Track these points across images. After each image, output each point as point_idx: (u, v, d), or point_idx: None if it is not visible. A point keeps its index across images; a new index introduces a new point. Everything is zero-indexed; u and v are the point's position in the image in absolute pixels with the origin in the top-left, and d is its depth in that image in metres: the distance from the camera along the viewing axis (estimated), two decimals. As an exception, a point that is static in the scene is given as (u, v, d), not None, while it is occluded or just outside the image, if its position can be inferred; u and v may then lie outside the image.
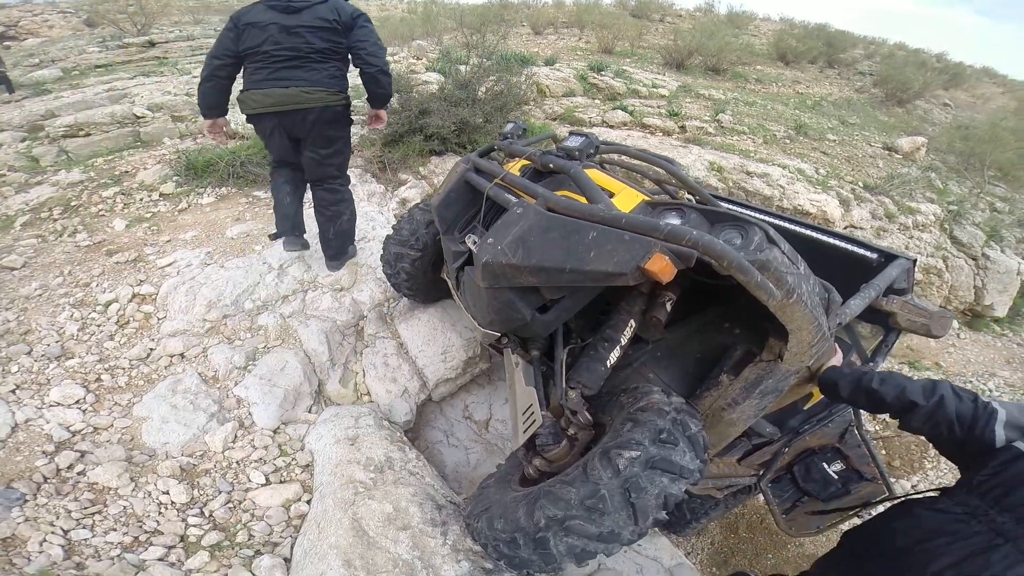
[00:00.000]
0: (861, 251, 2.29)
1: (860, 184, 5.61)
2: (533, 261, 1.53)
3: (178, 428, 2.27)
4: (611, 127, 6.78)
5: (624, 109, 6.92)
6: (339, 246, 3.19)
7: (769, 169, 5.25)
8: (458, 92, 5.02)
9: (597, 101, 7.73)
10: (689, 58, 10.18)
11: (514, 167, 2.31)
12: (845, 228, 4.93)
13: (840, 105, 9.78)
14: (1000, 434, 1.34)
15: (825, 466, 2.67)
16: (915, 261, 2.20)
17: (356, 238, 3.45)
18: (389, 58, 8.12)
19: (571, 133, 2.15)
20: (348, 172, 3.11)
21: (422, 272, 2.84)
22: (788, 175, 5.22)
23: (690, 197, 2.63)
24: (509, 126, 2.51)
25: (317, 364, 2.75)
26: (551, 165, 1.99)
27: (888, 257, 2.21)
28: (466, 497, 2.17)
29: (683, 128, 6.60)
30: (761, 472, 2.53)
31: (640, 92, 7.92)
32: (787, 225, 2.52)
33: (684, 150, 5.64)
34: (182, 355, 2.65)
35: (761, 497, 2.78)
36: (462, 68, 5.55)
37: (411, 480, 2.08)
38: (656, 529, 2.62)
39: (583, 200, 1.68)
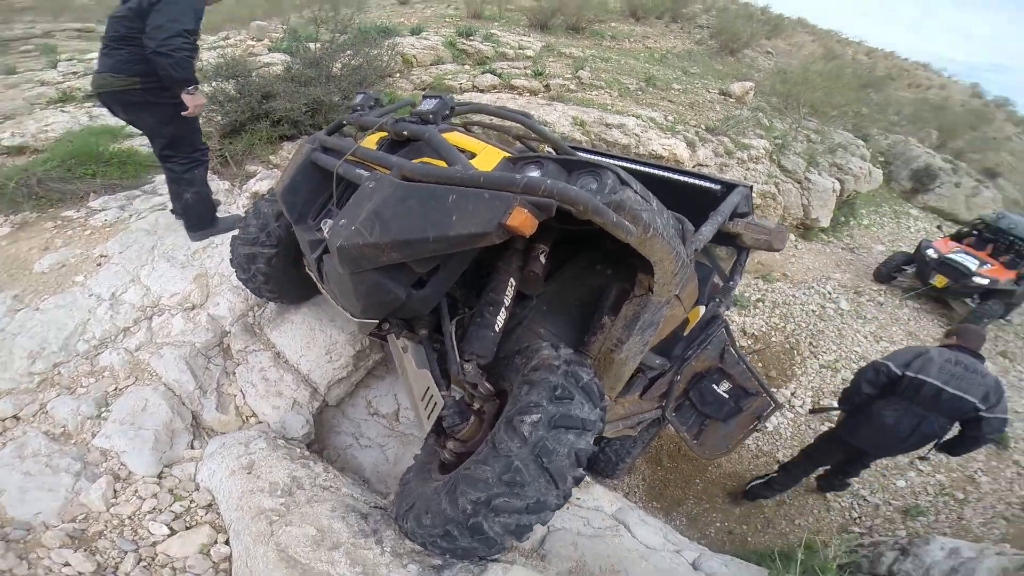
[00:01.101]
0: (705, 184, 2.54)
1: (703, 127, 6.38)
2: (392, 236, 1.43)
3: (43, 495, 2.01)
4: (481, 91, 6.92)
5: (493, 72, 7.08)
6: (193, 220, 3.25)
7: (625, 120, 5.77)
8: (308, 71, 4.70)
9: (467, 67, 7.79)
10: (552, 18, 10.52)
11: (370, 141, 2.15)
12: (694, 166, 5.63)
13: (683, 57, 10.78)
14: (896, 371, 3.12)
15: (715, 387, 2.94)
16: (752, 188, 2.51)
17: (203, 244, 3.34)
18: (223, 42, 7.48)
19: (424, 97, 2.00)
20: (193, 154, 3.11)
21: (281, 270, 2.59)
22: (641, 124, 5.78)
23: (551, 151, 2.72)
24: (359, 98, 2.35)
25: (184, 395, 2.49)
26: (405, 132, 1.87)
27: (729, 187, 2.46)
28: (393, 497, 2.07)
29: (547, 87, 6.94)
30: (663, 403, 2.72)
31: (508, 55, 8.11)
32: (640, 168, 2.75)
33: (549, 107, 5.97)
34: (16, 417, 2.32)
35: (671, 428, 3.05)
36: (312, 46, 5.26)
37: (326, 495, 1.95)
38: (588, 479, 2.65)
39: (443, 165, 1.60)
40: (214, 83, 4.44)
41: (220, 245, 3.25)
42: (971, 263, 6.40)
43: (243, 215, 2.77)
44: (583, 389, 1.48)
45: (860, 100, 9.38)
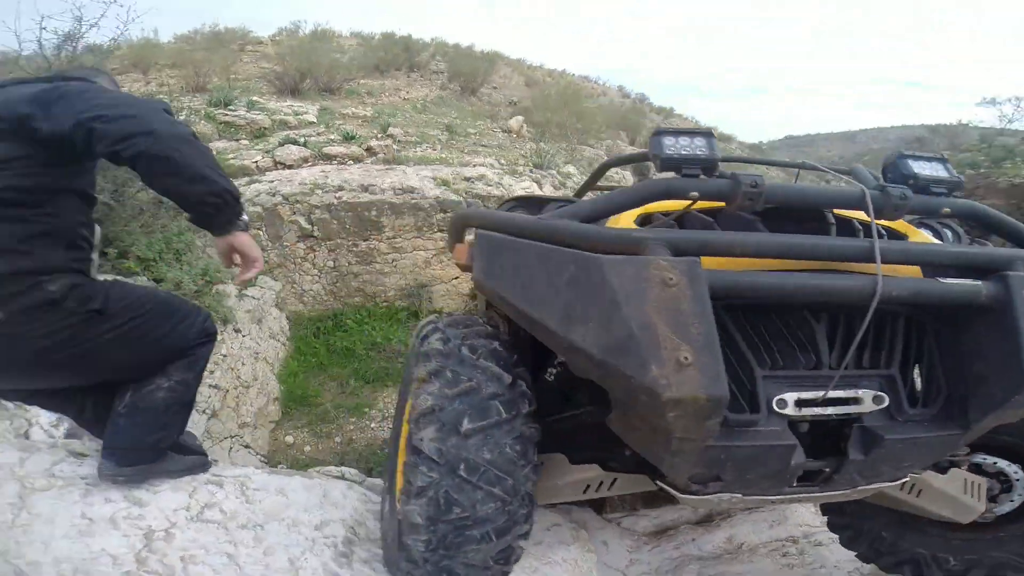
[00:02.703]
0: None
1: (529, 165, 6.88)
2: None
3: None
4: (289, 166, 5.96)
5: (296, 142, 6.16)
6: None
7: (480, 171, 5.81)
8: None
9: (245, 142, 6.59)
10: (302, 82, 9.69)
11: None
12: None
13: (439, 103, 11.39)
14: None
15: None
16: None
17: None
18: None
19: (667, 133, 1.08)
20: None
21: None
22: (493, 173, 5.91)
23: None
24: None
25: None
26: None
27: None
28: None
29: (370, 150, 6.43)
30: None
31: (289, 122, 7.17)
32: None
33: (398, 172, 5.57)
34: None
35: None
36: None
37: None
38: None
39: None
40: None
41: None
42: None
43: None
44: None
45: (575, 117, 11.40)
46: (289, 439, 4.64)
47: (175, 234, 3.45)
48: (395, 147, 6.65)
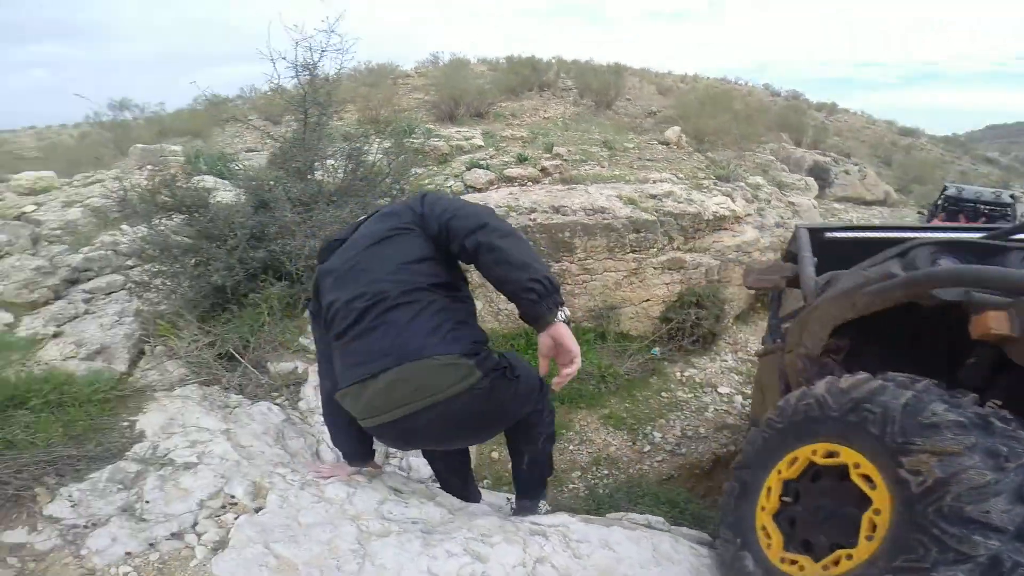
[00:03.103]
0: None
1: (711, 178, 6.51)
2: None
3: None
4: (478, 189, 6.24)
5: (480, 166, 6.45)
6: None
7: (662, 188, 5.58)
8: (294, 186, 3.34)
9: (433, 168, 7.06)
10: (458, 108, 10.30)
11: None
12: (747, 217, 5.60)
13: (579, 119, 11.37)
14: None
15: None
16: None
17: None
18: (97, 186, 5.63)
19: None
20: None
21: None
22: (680, 189, 5.64)
23: None
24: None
25: None
26: None
27: None
28: None
29: (544, 170, 6.53)
30: None
31: (463, 147, 7.55)
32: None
33: (580, 192, 5.54)
34: None
35: None
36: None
37: None
38: None
39: None
40: (160, 223, 3.05)
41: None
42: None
43: None
44: None
45: (733, 121, 10.71)
46: (495, 455, 4.75)
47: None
48: (565, 166, 6.68)
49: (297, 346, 2.84)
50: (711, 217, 5.28)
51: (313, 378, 2.63)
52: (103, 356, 2.88)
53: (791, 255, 2.89)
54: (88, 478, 1.64)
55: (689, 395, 5.27)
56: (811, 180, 8.85)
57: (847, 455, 1.27)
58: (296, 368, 2.75)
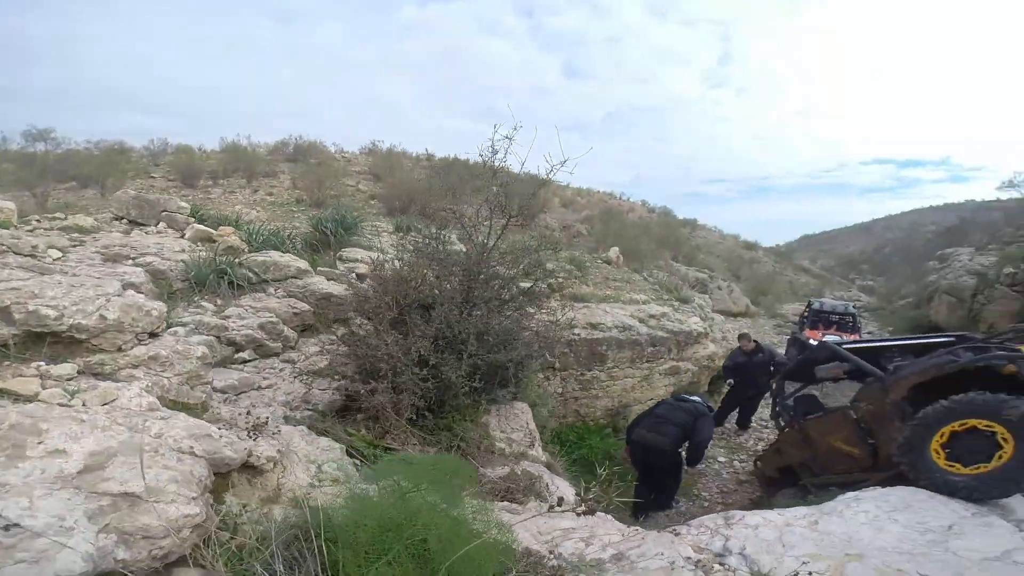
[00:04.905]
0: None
1: (673, 298, 8.25)
2: None
3: None
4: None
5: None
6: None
7: (657, 309, 7.08)
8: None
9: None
10: (410, 205, 11.03)
11: None
12: (709, 334, 7.31)
13: (515, 231, 12.92)
14: None
15: None
16: None
17: None
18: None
19: None
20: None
21: None
22: (669, 310, 7.20)
23: None
24: None
25: None
26: None
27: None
28: None
29: (551, 287, 7.62)
30: None
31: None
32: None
33: (596, 310, 6.72)
34: None
35: None
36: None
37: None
38: None
39: None
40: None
41: None
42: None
43: None
44: None
45: (644, 239, 13.23)
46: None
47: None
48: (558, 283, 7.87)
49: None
50: (693, 333, 6.88)
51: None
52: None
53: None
54: None
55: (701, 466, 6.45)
56: (706, 297, 11.35)
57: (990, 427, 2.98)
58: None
